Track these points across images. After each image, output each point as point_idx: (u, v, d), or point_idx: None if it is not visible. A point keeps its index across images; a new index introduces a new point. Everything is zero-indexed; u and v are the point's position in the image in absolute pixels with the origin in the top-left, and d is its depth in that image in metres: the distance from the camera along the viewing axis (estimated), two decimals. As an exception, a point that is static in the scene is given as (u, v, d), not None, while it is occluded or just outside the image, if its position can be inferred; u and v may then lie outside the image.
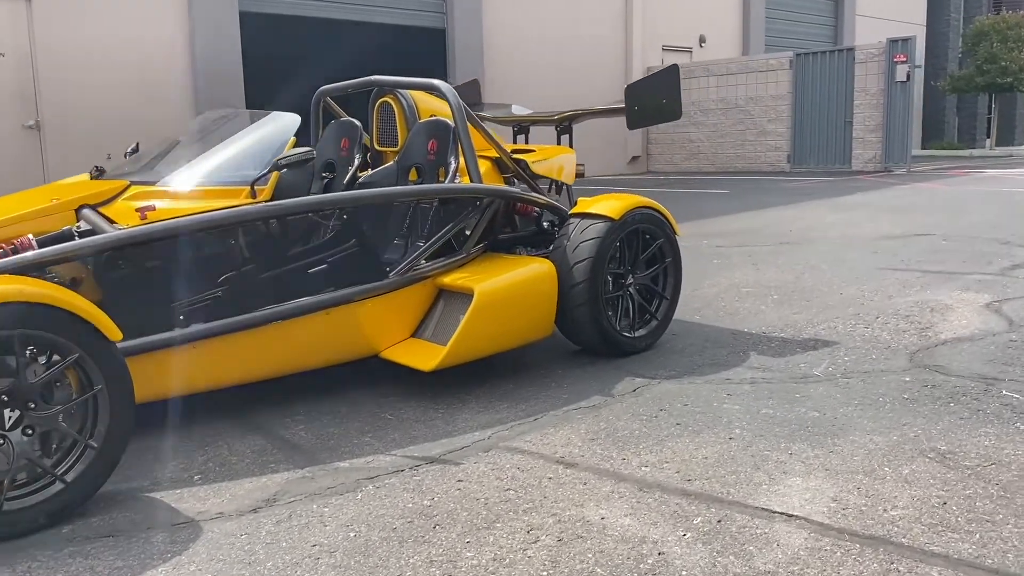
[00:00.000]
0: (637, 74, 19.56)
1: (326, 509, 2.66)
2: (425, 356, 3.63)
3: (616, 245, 4.17)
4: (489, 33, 16.77)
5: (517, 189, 4.20)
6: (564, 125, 4.99)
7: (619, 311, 4.24)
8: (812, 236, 8.15)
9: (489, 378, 3.94)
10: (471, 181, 3.99)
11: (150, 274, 3.16)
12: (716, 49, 21.11)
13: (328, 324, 3.51)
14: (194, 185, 3.43)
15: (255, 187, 3.36)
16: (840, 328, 4.69)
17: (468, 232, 4.01)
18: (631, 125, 4.63)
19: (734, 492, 2.70)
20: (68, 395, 2.59)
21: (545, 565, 2.29)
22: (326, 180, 4.57)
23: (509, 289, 3.80)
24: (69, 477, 2.57)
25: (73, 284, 3.13)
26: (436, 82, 4.10)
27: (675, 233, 4.44)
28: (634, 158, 19.92)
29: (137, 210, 3.19)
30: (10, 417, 2.47)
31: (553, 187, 4.95)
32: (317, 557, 2.36)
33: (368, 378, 3.93)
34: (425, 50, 16.04)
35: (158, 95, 12.66)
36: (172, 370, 3.18)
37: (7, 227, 3.12)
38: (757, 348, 4.36)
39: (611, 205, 4.16)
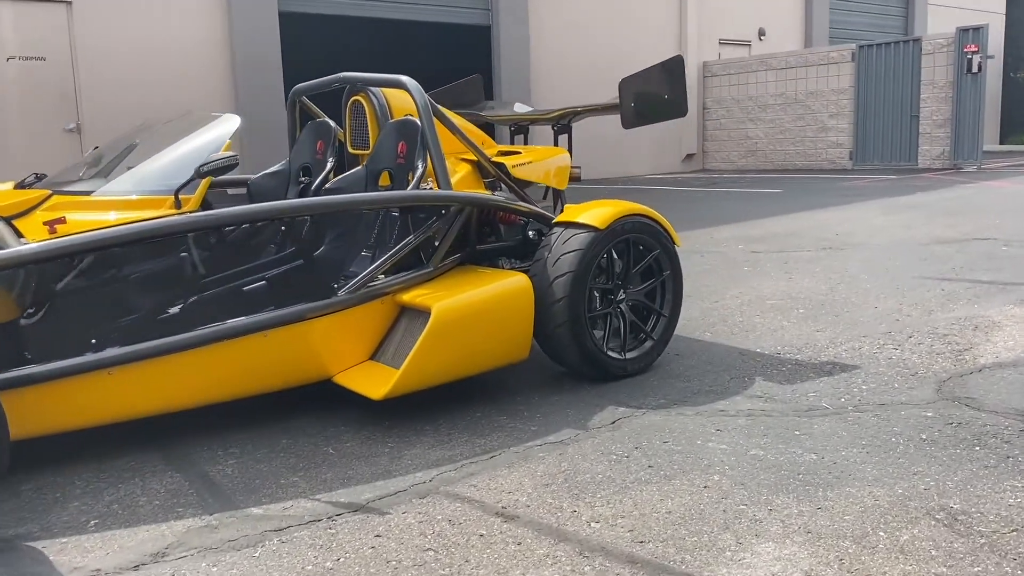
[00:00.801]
0: (692, 70, 18.94)
1: (214, 568, 2.32)
2: (377, 382, 3.28)
3: (603, 257, 3.76)
4: (536, 29, 16.36)
5: (492, 195, 3.81)
6: (563, 124, 4.58)
7: (607, 330, 3.82)
8: (859, 240, 7.55)
9: (455, 405, 3.56)
10: (439, 186, 3.62)
11: (58, 294, 2.87)
12: (777, 42, 20.30)
13: (267, 347, 3.18)
14: (116, 195, 3.14)
15: (179, 196, 3.05)
16: (865, 349, 4.18)
17: (438, 243, 3.65)
18: (627, 124, 4.20)
19: (690, 560, 2.27)
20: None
21: (435, 656, 1.91)
22: (302, 185, 4.27)
23: (475, 306, 3.42)
24: (-74, 528, 2.29)
25: (-20, 304, 2.86)
26: (401, 78, 3.74)
27: (674, 243, 3.99)
28: (688, 156, 19.28)
29: (46, 223, 2.91)
30: None
31: (550, 193, 4.56)
32: (178, 634, 2.03)
33: (325, 404, 3.59)
34: (470, 47, 15.74)
35: (198, 97, 12.60)
36: (85, 398, 2.89)
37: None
38: (765, 372, 3.89)
39: (597, 213, 3.74)
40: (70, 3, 11.66)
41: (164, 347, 2.97)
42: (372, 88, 4.03)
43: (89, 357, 2.86)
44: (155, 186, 3.12)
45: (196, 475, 2.96)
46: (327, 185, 3.98)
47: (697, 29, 19.01)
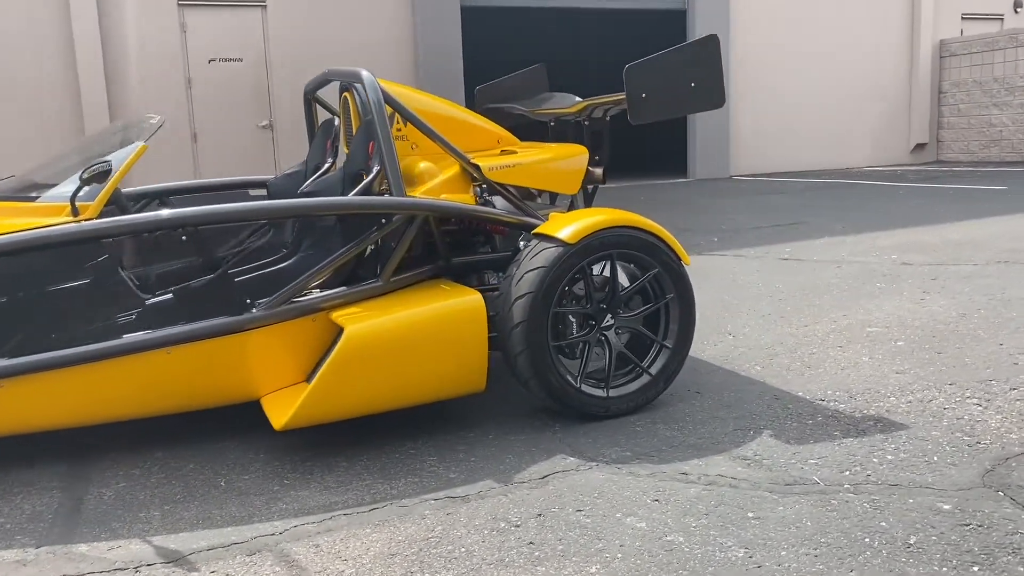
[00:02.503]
0: (927, 50, 16.86)
1: (-32, 617, 2.13)
2: (286, 409, 2.97)
3: (577, 277, 3.20)
4: (736, 13, 15.21)
5: (452, 201, 3.34)
6: (594, 120, 3.98)
7: (583, 361, 3.25)
8: (1053, 253, 6.17)
9: (395, 437, 3.17)
10: (392, 191, 3.24)
11: None
12: (1041, 13, 17.56)
13: (171, 365, 2.96)
14: (25, 200, 3.06)
15: (76, 203, 2.90)
16: (936, 403, 3.27)
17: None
18: (636, 117, 3.54)
19: None
20: None
21: None
22: (314, 186, 4.05)
23: (403, 329, 3.01)
24: None
25: None
26: (359, 71, 3.39)
27: (680, 261, 3.32)
28: (919, 146, 17.19)
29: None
30: None
31: (579, 198, 4.01)
32: None
33: (267, 427, 3.33)
34: (662, 34, 14.94)
35: (381, 93, 12.93)
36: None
37: None
38: (780, 426, 3.13)
39: (574, 224, 3.18)
40: (265, 6, 12.38)
41: (56, 361, 2.85)
42: (356, 83, 3.71)
43: (-27, 368, 2.80)
44: (54, 191, 3.01)
45: (72, 498, 2.80)
46: (304, 189, 3.73)
47: (934, 4, 16.86)
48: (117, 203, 3.13)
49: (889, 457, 2.79)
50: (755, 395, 3.49)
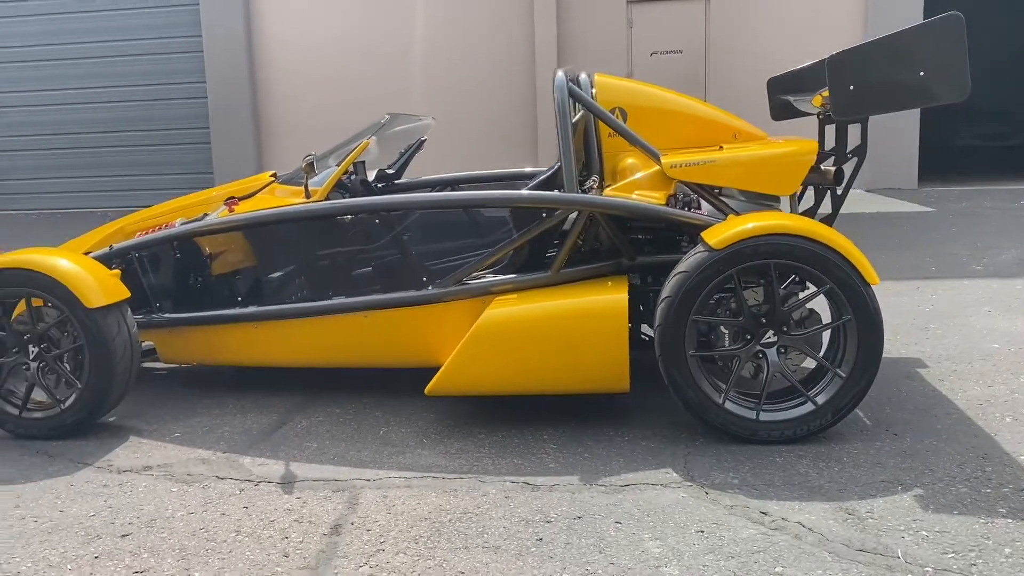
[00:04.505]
0: None
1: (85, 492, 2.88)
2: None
3: (726, 286, 2.98)
4: None
5: (616, 199, 3.27)
6: (836, 116, 3.51)
7: (733, 377, 3.02)
8: None
9: (545, 422, 3.31)
10: (565, 188, 3.35)
11: (206, 262, 3.70)
12: None
13: (367, 326, 3.50)
14: (282, 183, 3.80)
15: (308, 187, 3.54)
16: None
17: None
18: (840, 111, 3.04)
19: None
20: None
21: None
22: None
23: (533, 320, 3.13)
24: None
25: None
26: (556, 70, 3.52)
27: (863, 279, 2.88)
28: None
29: (226, 204, 3.74)
30: None
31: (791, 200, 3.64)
32: None
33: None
34: None
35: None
36: (232, 343, 3.67)
37: (178, 212, 4.03)
38: (941, 489, 2.58)
39: (730, 228, 2.96)
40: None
41: (286, 312, 3.56)
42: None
43: (239, 311, 3.63)
44: (296, 177, 3.72)
45: (279, 422, 3.47)
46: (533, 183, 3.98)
47: None
48: (352, 188, 3.75)
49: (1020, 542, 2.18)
50: (963, 449, 2.88)
